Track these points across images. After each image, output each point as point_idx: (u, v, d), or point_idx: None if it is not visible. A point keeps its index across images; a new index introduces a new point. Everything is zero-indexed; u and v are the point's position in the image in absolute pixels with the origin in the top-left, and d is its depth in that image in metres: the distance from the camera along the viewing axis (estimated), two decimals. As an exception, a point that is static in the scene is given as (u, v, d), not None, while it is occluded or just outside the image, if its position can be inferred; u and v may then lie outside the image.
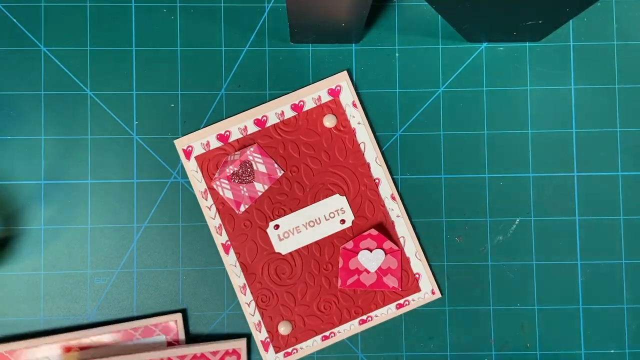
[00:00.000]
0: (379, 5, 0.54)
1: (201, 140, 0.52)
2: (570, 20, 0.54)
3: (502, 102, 0.53)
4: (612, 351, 0.53)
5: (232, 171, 0.51)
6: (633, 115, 0.54)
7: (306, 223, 0.52)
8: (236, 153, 0.52)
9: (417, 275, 0.52)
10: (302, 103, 0.53)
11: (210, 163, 0.52)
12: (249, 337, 0.52)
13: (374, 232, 0.51)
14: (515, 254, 0.53)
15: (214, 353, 0.50)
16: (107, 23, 0.53)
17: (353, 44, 0.54)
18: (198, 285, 0.52)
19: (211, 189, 0.52)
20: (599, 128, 0.54)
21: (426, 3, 0.53)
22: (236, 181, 0.51)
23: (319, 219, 0.52)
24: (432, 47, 0.54)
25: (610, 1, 0.54)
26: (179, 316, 0.51)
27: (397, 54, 0.54)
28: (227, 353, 0.51)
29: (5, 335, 0.51)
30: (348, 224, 0.53)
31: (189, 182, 0.53)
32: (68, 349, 0.50)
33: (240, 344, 0.51)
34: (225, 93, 0.53)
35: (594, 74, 0.54)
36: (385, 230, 0.52)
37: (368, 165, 0.53)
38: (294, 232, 0.52)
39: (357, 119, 0.53)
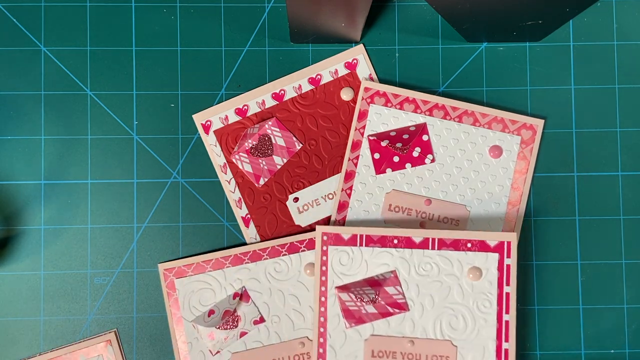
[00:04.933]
0: (379, 5, 0.54)
1: (219, 115, 0.53)
2: (570, 20, 0.54)
3: (501, 103, 0.53)
4: (612, 351, 0.53)
5: (251, 145, 0.52)
6: (633, 115, 0.54)
7: (325, 195, 0.53)
8: (255, 127, 0.52)
9: None
10: (319, 76, 0.53)
11: (229, 137, 0.53)
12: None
13: None
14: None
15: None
16: (107, 23, 0.53)
17: (353, 44, 0.54)
18: (198, 285, 0.53)
19: (230, 163, 0.52)
20: (599, 128, 0.54)
21: (426, 3, 0.53)
22: (255, 154, 0.51)
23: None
24: (432, 47, 0.54)
25: (610, 1, 0.54)
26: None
27: (397, 54, 0.54)
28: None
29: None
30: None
31: (189, 182, 0.53)
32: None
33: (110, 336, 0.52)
34: (225, 93, 0.53)
35: (594, 74, 0.54)
36: None
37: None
38: (314, 204, 0.53)
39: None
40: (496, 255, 0.49)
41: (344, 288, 0.50)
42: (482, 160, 0.52)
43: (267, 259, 0.51)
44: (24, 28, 0.53)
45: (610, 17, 0.54)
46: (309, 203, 0.53)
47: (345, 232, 0.50)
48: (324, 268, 0.50)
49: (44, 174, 0.52)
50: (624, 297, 0.53)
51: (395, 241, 0.50)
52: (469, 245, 0.49)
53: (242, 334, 0.51)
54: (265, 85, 0.53)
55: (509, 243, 0.49)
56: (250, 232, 0.52)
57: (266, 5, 0.54)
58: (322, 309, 0.50)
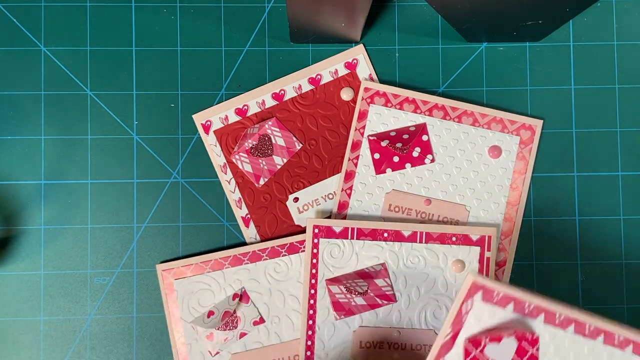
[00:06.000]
0: (379, 5, 0.54)
1: (219, 115, 0.53)
2: (570, 20, 0.54)
3: (501, 103, 0.53)
4: (612, 351, 0.53)
5: (251, 145, 0.52)
6: (633, 115, 0.54)
7: (325, 195, 0.53)
8: (255, 127, 0.52)
9: None
10: (319, 76, 0.53)
11: (229, 137, 0.53)
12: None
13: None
14: (515, 254, 0.53)
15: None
16: (107, 23, 0.53)
17: (353, 44, 0.54)
18: (198, 285, 0.53)
19: (230, 163, 0.53)
20: (599, 128, 0.54)
21: (426, 3, 0.53)
22: (255, 154, 0.51)
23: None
24: (432, 47, 0.54)
25: (610, 1, 0.54)
26: None
27: (397, 54, 0.54)
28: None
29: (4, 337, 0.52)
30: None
31: (189, 182, 0.53)
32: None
33: None
34: (225, 93, 0.53)
35: (594, 74, 0.54)
36: None
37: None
38: (314, 204, 0.53)
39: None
40: (477, 249, 0.51)
41: (334, 280, 0.50)
42: (481, 160, 0.52)
43: (266, 259, 0.51)
44: (24, 28, 0.53)
45: (610, 17, 0.54)
46: (309, 203, 0.53)
47: (337, 225, 0.50)
48: (314, 260, 0.50)
49: (44, 174, 0.52)
50: (624, 297, 0.53)
51: (385, 234, 0.50)
52: (453, 239, 0.51)
53: (242, 335, 0.51)
54: (265, 85, 0.53)
55: (489, 237, 0.51)
56: (250, 232, 0.53)
57: (266, 5, 0.54)
58: (312, 301, 0.50)
